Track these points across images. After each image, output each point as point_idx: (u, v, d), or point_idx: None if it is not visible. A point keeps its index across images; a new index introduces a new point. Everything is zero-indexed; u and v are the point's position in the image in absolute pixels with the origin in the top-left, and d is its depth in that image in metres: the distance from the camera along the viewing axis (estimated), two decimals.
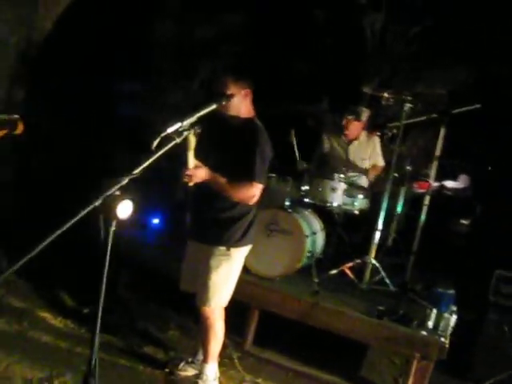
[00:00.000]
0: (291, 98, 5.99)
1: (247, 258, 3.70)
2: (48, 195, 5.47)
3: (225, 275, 3.54)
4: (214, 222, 3.51)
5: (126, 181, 2.00)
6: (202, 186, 3.35)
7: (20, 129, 2.43)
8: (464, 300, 4.73)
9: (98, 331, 2.15)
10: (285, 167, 4.95)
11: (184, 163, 3.24)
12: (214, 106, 2.80)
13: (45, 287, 4.68)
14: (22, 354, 3.65)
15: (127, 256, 4.87)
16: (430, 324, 4.19)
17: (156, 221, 5.14)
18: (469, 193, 8.09)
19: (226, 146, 3.43)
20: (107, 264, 2.01)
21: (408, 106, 4.54)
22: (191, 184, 3.30)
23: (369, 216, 5.04)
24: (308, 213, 4.91)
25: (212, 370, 3.74)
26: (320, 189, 4.67)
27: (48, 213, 3.96)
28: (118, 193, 1.99)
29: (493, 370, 4.35)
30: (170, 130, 2.36)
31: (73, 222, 1.85)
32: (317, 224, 4.89)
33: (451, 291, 4.68)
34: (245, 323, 4.44)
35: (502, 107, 5.93)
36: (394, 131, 4.88)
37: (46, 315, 4.32)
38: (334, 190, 4.67)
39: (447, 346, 4.06)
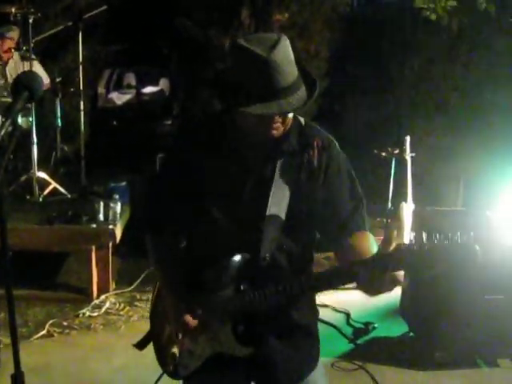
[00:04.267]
0: None
1: None
2: None
3: None
4: None
5: None
6: None
7: None
8: None
9: None
10: None
11: None
12: None
13: None
14: None
15: None
16: (101, 217, 4.55)
17: None
18: (166, 95, 8.52)
19: None
20: None
21: (32, 17, 4.61)
22: None
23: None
24: None
25: None
26: None
27: None
28: None
29: None
30: None
31: None
32: None
33: (123, 183, 5.10)
34: None
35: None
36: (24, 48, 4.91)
37: None
38: None
39: (117, 231, 4.48)
